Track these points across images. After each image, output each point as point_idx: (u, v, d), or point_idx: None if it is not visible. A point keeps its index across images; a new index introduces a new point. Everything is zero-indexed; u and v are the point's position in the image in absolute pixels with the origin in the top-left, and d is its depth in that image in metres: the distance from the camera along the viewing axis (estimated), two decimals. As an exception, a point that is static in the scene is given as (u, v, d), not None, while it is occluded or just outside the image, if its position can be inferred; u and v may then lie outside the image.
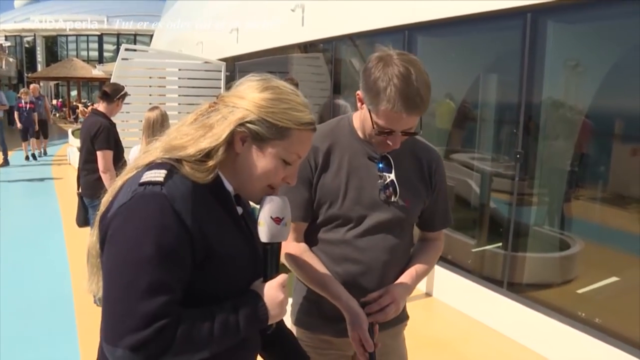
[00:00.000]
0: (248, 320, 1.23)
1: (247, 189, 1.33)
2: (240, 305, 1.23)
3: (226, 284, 1.25)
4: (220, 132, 1.25)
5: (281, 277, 1.31)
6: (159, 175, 1.18)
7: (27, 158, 13.96)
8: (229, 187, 1.32)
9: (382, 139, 1.71)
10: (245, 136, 1.27)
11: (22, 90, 14.33)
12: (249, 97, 1.27)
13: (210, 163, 1.24)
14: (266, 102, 1.26)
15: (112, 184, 1.30)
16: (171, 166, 1.21)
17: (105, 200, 1.26)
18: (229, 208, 1.32)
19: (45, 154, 15.09)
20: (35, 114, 13.90)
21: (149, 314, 1.09)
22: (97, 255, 1.28)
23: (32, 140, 14.22)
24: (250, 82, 1.31)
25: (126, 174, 1.28)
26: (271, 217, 1.30)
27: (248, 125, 1.26)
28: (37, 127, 14.06)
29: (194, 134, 1.27)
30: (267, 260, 1.33)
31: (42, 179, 11.42)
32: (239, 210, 1.37)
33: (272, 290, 1.28)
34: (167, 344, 1.10)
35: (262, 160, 1.28)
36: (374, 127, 1.68)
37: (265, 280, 1.31)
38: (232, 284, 1.26)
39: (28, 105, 13.63)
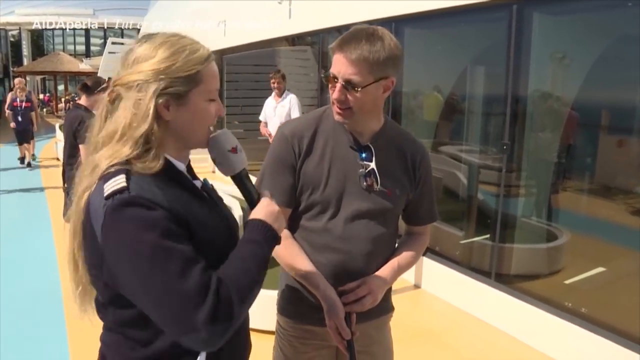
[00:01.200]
0: (267, 245, 1.33)
1: (193, 142, 1.37)
2: (254, 236, 1.32)
3: (212, 252, 1.26)
4: (144, 112, 1.25)
5: (266, 194, 1.43)
6: (119, 182, 1.19)
7: (22, 161, 12.44)
8: (180, 165, 1.36)
9: (331, 92, 1.74)
10: (167, 102, 1.28)
11: (16, 85, 12.31)
12: (148, 66, 1.27)
13: (154, 148, 1.26)
14: (167, 61, 1.27)
15: (68, 206, 1.31)
16: (126, 170, 1.22)
17: (75, 225, 1.28)
18: (187, 185, 1.35)
19: (34, 158, 13.04)
20: (33, 114, 12.24)
21: (198, 286, 1.14)
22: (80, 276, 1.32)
23: (32, 143, 12.51)
24: (138, 52, 1.30)
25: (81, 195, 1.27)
26: (228, 151, 1.37)
27: (165, 91, 1.27)
28: (36, 127, 12.48)
29: (121, 130, 1.26)
30: (247, 188, 1.42)
31: (30, 180, 11.32)
32: (198, 184, 1.42)
33: (267, 208, 1.37)
34: (228, 297, 1.16)
35: (193, 112, 1.32)
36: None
37: (254, 204, 1.40)
38: (217, 251, 1.28)
39: (24, 104, 11.84)
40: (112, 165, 1.24)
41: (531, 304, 4.16)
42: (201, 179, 1.48)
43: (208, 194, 1.44)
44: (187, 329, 1.13)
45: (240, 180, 1.41)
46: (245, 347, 1.49)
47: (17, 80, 13.01)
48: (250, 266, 1.25)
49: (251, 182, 1.43)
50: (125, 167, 1.23)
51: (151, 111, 1.25)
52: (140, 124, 1.25)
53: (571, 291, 4.32)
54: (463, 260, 5.09)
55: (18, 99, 11.71)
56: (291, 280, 1.88)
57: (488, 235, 4.87)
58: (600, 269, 4.30)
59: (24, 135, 12.10)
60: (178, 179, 1.33)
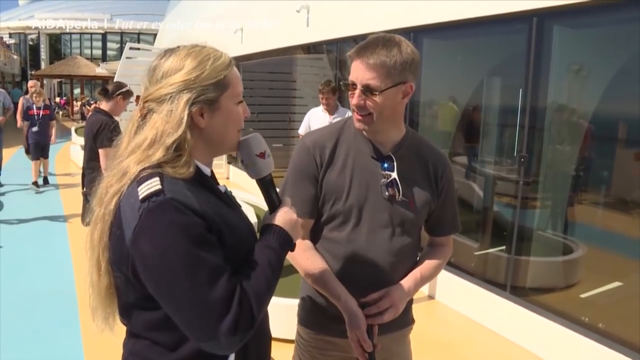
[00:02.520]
0: (282, 251, 1.37)
1: (225, 146, 1.41)
2: (272, 243, 1.35)
3: (239, 256, 1.30)
4: (177, 121, 1.28)
5: (287, 201, 1.46)
6: (154, 185, 1.21)
7: (36, 184, 9.83)
8: (206, 170, 1.39)
9: (350, 99, 1.75)
10: (201, 110, 1.31)
11: (31, 88, 9.96)
12: (178, 77, 1.30)
13: (185, 155, 1.29)
14: (196, 71, 1.31)
15: (91, 211, 1.32)
16: (158, 172, 1.24)
17: (101, 230, 1.28)
18: (214, 190, 1.38)
19: (46, 181, 10.41)
20: (53, 123, 10.06)
21: (223, 296, 1.17)
22: (109, 286, 1.33)
23: (45, 162, 10.21)
24: (165, 66, 1.34)
25: (109, 199, 1.28)
26: (256, 155, 1.40)
27: (197, 99, 1.30)
28: (54, 139, 10.16)
29: (150, 138, 1.28)
30: (269, 193, 1.44)
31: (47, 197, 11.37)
32: (222, 188, 1.45)
33: (286, 215, 1.41)
34: (249, 308, 1.20)
35: (226, 116, 1.35)
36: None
37: (274, 210, 1.43)
38: (243, 255, 1.32)
39: (42, 112, 9.63)
40: (144, 169, 1.25)
41: (547, 317, 4.14)
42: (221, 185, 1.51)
43: (230, 200, 1.47)
44: (208, 337, 1.16)
45: (264, 184, 1.44)
46: (268, 337, 1.52)
47: (30, 83, 10.61)
48: (269, 274, 1.29)
49: (275, 188, 1.46)
50: (157, 170, 1.25)
51: (185, 119, 1.28)
52: (173, 132, 1.28)
53: (587, 305, 4.29)
54: (478, 272, 5.06)
55: (34, 106, 9.61)
56: (312, 291, 1.89)
57: (504, 247, 4.84)
58: (617, 284, 4.26)
59: (43, 149, 9.91)
60: (207, 184, 1.36)
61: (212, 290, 1.16)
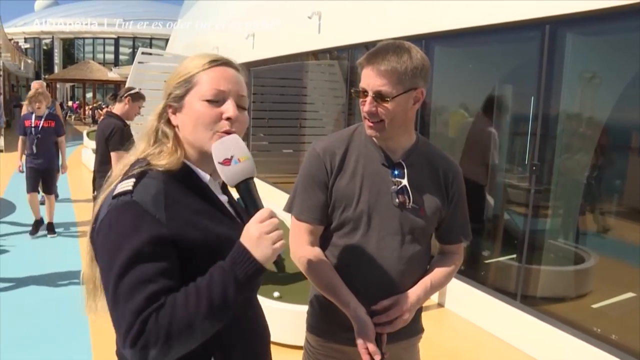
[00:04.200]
0: (233, 272, 1.18)
1: (202, 147, 1.34)
2: (223, 263, 1.21)
3: None
4: (152, 115, 1.43)
5: (257, 213, 1.24)
6: (127, 184, 1.25)
7: (35, 229, 6.98)
8: (205, 176, 1.38)
9: (362, 107, 1.75)
10: (172, 108, 1.39)
11: (34, 87, 7.36)
12: (167, 81, 1.43)
13: (169, 143, 1.36)
14: (173, 74, 1.42)
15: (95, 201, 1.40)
16: (141, 172, 1.29)
17: (93, 217, 1.34)
18: (207, 196, 1.36)
19: (51, 229, 7.09)
20: (62, 140, 7.08)
21: (134, 310, 1.12)
22: (92, 273, 1.40)
23: (50, 200, 7.05)
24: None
25: (104, 190, 1.36)
26: (219, 163, 1.25)
27: (170, 97, 1.39)
28: (65, 166, 7.29)
29: (139, 135, 1.46)
30: (244, 203, 1.28)
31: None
32: (224, 198, 1.43)
33: (247, 231, 1.22)
34: (156, 330, 1.11)
35: (190, 113, 1.35)
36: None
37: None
38: None
39: (42, 123, 6.71)
40: (137, 162, 1.34)
41: (558, 327, 4.09)
42: (235, 197, 1.48)
43: (236, 211, 1.45)
44: (120, 344, 1.16)
45: (240, 193, 1.29)
46: (260, 338, 1.47)
47: (35, 83, 8.11)
48: (202, 300, 1.15)
49: (253, 198, 1.27)
50: (144, 168, 1.30)
51: (156, 112, 1.42)
52: (148, 125, 1.43)
53: (599, 316, 4.24)
54: (488, 280, 5.03)
55: (33, 116, 6.69)
56: (321, 298, 1.87)
57: (514, 256, 4.81)
58: (630, 294, 4.20)
59: (45, 180, 6.93)
60: (196, 190, 1.35)
61: (129, 301, 1.13)
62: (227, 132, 1.31)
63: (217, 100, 1.33)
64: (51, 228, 6.99)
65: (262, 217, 1.22)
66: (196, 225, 1.26)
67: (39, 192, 7.06)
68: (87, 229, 1.34)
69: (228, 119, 1.32)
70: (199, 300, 1.14)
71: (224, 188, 1.48)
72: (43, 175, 6.84)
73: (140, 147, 1.39)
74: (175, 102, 1.37)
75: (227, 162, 1.25)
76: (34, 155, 6.70)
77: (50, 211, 7.02)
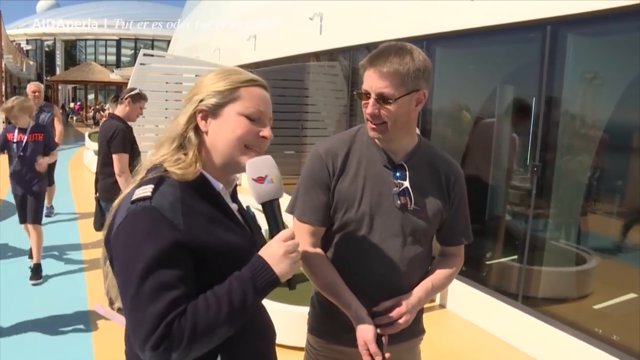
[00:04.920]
0: (253, 283, 1.26)
1: (229, 160, 1.39)
2: (243, 274, 1.28)
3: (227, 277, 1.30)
4: (182, 119, 1.40)
5: (282, 232, 1.34)
6: (146, 190, 1.27)
7: (37, 273, 5.41)
8: (218, 185, 1.40)
9: (364, 109, 1.75)
10: (204, 113, 1.39)
11: (30, 90, 7.11)
12: (197, 86, 1.44)
13: (190, 153, 1.36)
14: (210, 80, 1.42)
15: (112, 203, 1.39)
16: (159, 178, 1.31)
17: (108, 221, 1.35)
18: (220, 205, 1.39)
19: (52, 211, 8.04)
20: (54, 154, 5.71)
21: (156, 314, 1.16)
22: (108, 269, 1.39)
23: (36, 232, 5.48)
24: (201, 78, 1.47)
25: (122, 194, 1.38)
26: (253, 179, 1.34)
27: (202, 102, 1.39)
28: (50, 197, 7.90)
29: (164, 137, 1.42)
30: (268, 221, 1.38)
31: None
32: (234, 206, 1.46)
33: (270, 247, 1.32)
34: (180, 334, 1.16)
35: (226, 124, 1.38)
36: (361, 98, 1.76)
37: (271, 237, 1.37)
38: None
39: (26, 138, 5.44)
40: (154, 168, 1.35)
41: (559, 328, 4.09)
42: (244, 205, 1.52)
43: (245, 220, 1.47)
44: (138, 347, 1.19)
45: (265, 211, 1.38)
46: (265, 336, 1.50)
47: (30, 87, 7.26)
48: (223, 305, 1.22)
49: (276, 216, 1.38)
50: (161, 174, 1.32)
51: (187, 115, 1.39)
52: (175, 129, 1.40)
53: (600, 317, 4.23)
54: (490, 281, 5.02)
55: (16, 131, 5.46)
56: (322, 299, 1.88)
57: (515, 257, 4.81)
58: (631, 295, 4.20)
59: (24, 206, 5.56)
60: (210, 198, 1.37)
61: (151, 305, 1.17)
62: (257, 150, 1.40)
63: (254, 119, 1.39)
64: (37, 271, 5.37)
65: (285, 236, 1.33)
66: (211, 232, 1.29)
67: None
68: (89, 229, 1.36)
69: (263, 137, 1.41)
70: (220, 306, 1.22)
71: (233, 196, 1.50)
72: (23, 199, 5.49)
73: (161, 151, 1.40)
74: (209, 109, 1.38)
75: (260, 180, 1.34)
76: (15, 176, 5.45)
77: (36, 247, 5.40)
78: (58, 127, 7.52)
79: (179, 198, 1.27)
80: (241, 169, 1.40)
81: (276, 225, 1.37)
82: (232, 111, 1.38)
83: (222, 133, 1.37)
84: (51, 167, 6.94)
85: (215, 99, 1.38)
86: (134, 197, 1.27)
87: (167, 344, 1.15)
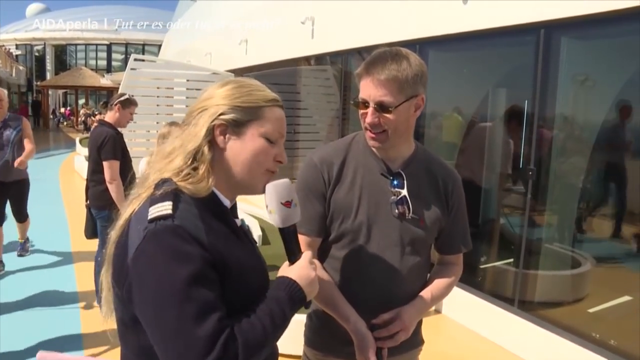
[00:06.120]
0: (290, 305, 1.28)
1: (247, 182, 1.35)
2: (279, 295, 1.29)
3: (245, 294, 1.27)
4: (198, 131, 1.30)
5: (307, 255, 1.38)
6: (165, 207, 1.19)
7: None
8: (226, 201, 1.36)
9: (363, 118, 1.71)
10: (223, 127, 1.31)
11: None
12: (213, 95, 1.34)
13: (202, 168, 1.27)
14: (231, 92, 1.33)
15: (117, 219, 1.31)
16: (174, 195, 1.22)
17: (114, 238, 1.28)
18: (229, 222, 1.34)
19: (26, 247, 6.47)
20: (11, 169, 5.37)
21: (209, 335, 1.11)
22: (110, 289, 1.30)
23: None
24: (208, 91, 1.38)
25: (127, 206, 1.30)
26: (281, 203, 1.34)
27: (222, 116, 1.30)
28: (25, 226, 6.28)
29: (175, 148, 1.32)
30: (289, 244, 1.39)
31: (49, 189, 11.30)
32: (238, 222, 1.42)
33: (303, 270, 1.35)
34: (235, 353, 1.14)
35: (247, 145, 1.32)
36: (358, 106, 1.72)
37: (291, 262, 1.37)
38: (249, 293, 1.28)
39: None
40: (163, 182, 1.26)
41: (556, 333, 4.08)
42: (239, 218, 1.48)
43: (245, 235, 1.43)
44: None
45: (287, 235, 1.39)
46: (273, 355, 1.46)
47: None
48: (267, 325, 1.22)
49: (297, 239, 1.40)
50: (173, 189, 1.23)
51: (204, 129, 1.29)
52: (191, 141, 1.30)
53: (596, 320, 4.23)
54: (485, 286, 5.00)
55: None
56: (320, 312, 1.84)
57: (511, 261, 4.79)
58: (626, 298, 4.20)
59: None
60: (222, 216, 1.32)
61: (198, 326, 1.11)
62: (273, 173, 1.39)
63: (273, 142, 1.35)
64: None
65: (310, 258, 1.38)
66: (229, 250, 1.25)
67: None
68: (80, 236, 1.29)
69: (279, 162, 1.38)
70: (264, 324, 1.21)
71: (233, 211, 1.45)
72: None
73: (173, 165, 1.29)
74: (231, 124, 1.31)
75: (288, 204, 1.35)
76: None
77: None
78: (28, 146, 5.57)
79: (197, 215, 1.21)
80: (257, 191, 1.37)
81: (298, 247, 1.40)
82: (255, 131, 1.32)
83: (243, 153, 1.32)
84: (21, 198, 5.88)
85: (236, 115, 1.31)
86: (152, 215, 1.18)
87: None
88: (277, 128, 1.35)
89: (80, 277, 5.65)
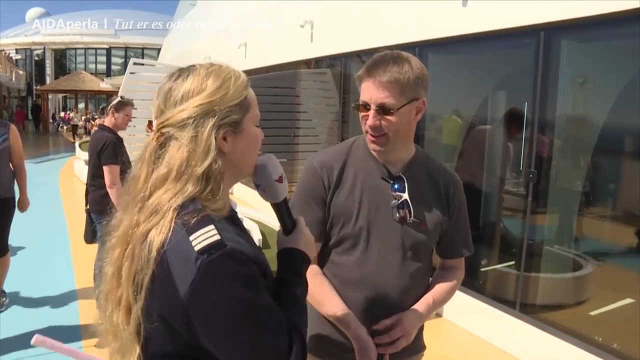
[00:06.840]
0: (305, 269, 1.37)
1: (244, 172, 1.31)
2: (300, 269, 1.36)
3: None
4: (204, 148, 1.16)
5: (300, 221, 1.43)
6: (210, 235, 1.11)
7: None
8: (234, 203, 1.39)
9: (363, 121, 1.70)
10: (225, 133, 1.21)
11: None
12: (202, 99, 1.18)
13: (217, 187, 1.19)
14: (220, 91, 1.20)
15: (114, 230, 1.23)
16: (209, 218, 1.14)
17: (130, 268, 1.17)
18: (237, 223, 1.31)
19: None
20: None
21: (288, 339, 1.18)
22: (136, 332, 1.19)
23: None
24: (185, 87, 1.21)
25: (140, 237, 1.16)
26: (275, 180, 1.34)
27: (223, 122, 1.19)
28: (5, 265, 4.96)
29: (176, 170, 1.16)
30: (283, 214, 1.40)
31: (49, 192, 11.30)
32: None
33: (304, 237, 1.40)
34: (304, 343, 1.23)
35: (248, 139, 1.26)
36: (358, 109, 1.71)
37: (287, 231, 1.40)
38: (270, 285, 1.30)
39: None
40: (188, 204, 1.15)
41: (558, 336, 4.06)
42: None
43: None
44: None
45: (280, 208, 1.39)
46: None
47: None
48: (303, 304, 1.32)
49: (289, 210, 1.41)
50: (198, 209, 1.15)
51: (213, 145, 1.17)
52: (202, 161, 1.16)
53: (598, 323, 4.21)
54: (487, 289, 4.98)
55: None
56: (319, 317, 1.81)
57: (512, 264, 4.77)
58: (628, 300, 4.18)
59: None
60: (236, 221, 1.30)
61: (279, 335, 1.17)
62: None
63: (258, 125, 1.32)
64: None
65: (304, 223, 1.44)
66: (260, 254, 1.24)
67: None
68: (80, 241, 1.23)
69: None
70: (302, 306, 1.32)
71: None
72: None
73: (187, 188, 1.15)
74: (232, 127, 1.21)
75: (280, 179, 1.35)
76: None
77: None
78: (19, 171, 4.89)
79: (233, 231, 1.17)
80: (250, 175, 1.34)
81: (291, 216, 1.42)
82: (250, 124, 1.26)
83: (245, 149, 1.26)
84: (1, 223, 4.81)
85: (235, 114, 1.21)
86: (200, 245, 1.09)
87: (303, 357, 1.21)
88: (257, 110, 1.31)
89: (79, 282, 5.64)
